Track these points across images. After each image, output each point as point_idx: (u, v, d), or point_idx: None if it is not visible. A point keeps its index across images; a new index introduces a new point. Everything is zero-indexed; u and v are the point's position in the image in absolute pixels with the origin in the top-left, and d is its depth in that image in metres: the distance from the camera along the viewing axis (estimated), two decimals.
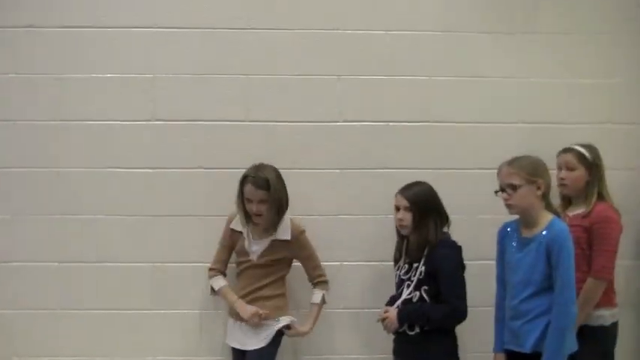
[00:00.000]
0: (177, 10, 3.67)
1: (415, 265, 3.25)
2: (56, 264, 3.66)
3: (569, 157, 3.41)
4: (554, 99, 3.77)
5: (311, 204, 3.66)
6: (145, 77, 3.66)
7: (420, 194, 3.28)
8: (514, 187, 3.09)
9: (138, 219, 3.67)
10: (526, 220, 3.14)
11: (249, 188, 3.36)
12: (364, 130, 3.72)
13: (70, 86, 3.66)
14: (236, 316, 3.45)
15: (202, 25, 3.67)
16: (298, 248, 3.48)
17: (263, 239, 3.45)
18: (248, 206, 3.39)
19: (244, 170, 3.43)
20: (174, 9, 3.67)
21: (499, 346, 3.25)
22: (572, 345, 3.06)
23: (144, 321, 3.68)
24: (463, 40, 3.74)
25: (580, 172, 3.39)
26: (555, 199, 3.41)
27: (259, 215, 3.38)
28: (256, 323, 3.37)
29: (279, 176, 3.42)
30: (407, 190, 3.30)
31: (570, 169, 3.40)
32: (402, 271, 3.33)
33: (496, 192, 3.18)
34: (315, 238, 3.58)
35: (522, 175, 3.08)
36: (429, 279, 3.21)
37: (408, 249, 3.34)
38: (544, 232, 3.06)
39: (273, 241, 3.44)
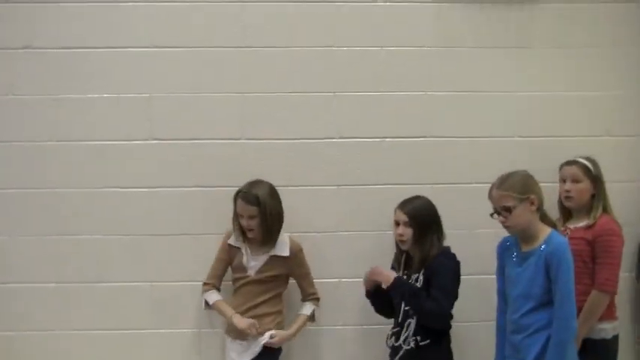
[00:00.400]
0: (173, 29, 3.68)
1: (415, 275, 3.25)
2: (53, 284, 3.65)
3: (575, 170, 3.41)
4: (552, 112, 3.76)
5: (308, 221, 3.66)
6: (141, 97, 3.67)
7: (419, 209, 3.28)
8: (508, 209, 3.07)
9: (135, 238, 3.67)
10: (525, 236, 3.13)
11: (239, 203, 3.40)
12: (361, 146, 3.71)
13: (66, 106, 3.66)
14: (233, 334, 3.44)
15: (198, 44, 3.68)
16: (296, 265, 3.48)
17: (261, 255, 3.45)
18: (240, 221, 3.42)
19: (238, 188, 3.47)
20: (170, 28, 3.68)
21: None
22: (573, 359, 3.04)
23: (142, 340, 3.66)
24: (458, 55, 3.74)
25: (585, 185, 3.39)
26: (554, 212, 3.43)
27: (251, 230, 3.40)
28: (253, 334, 3.36)
29: (272, 192, 3.43)
30: (406, 205, 3.30)
31: (576, 181, 3.40)
32: None
33: (492, 215, 3.16)
34: (312, 255, 3.58)
35: (514, 195, 3.06)
36: (427, 287, 3.20)
37: (407, 262, 3.34)
38: (542, 247, 3.05)
39: (272, 257, 3.44)
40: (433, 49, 3.73)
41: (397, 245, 3.38)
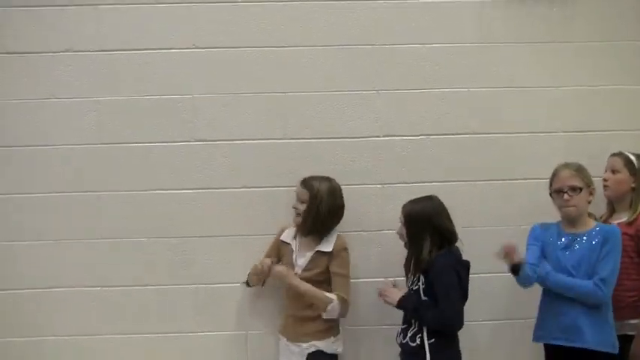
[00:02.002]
0: (214, 30, 3.67)
1: (418, 275, 3.22)
2: (98, 288, 3.65)
3: (616, 160, 3.47)
4: (595, 107, 3.75)
5: (353, 219, 3.63)
6: (184, 98, 3.66)
7: (413, 211, 3.24)
8: (576, 189, 3.21)
9: (181, 240, 3.66)
10: (574, 222, 3.25)
11: (297, 187, 3.44)
12: (405, 144, 3.70)
13: (108, 109, 3.65)
14: (287, 335, 3.44)
15: (239, 44, 3.67)
16: (336, 263, 3.42)
17: (308, 252, 3.44)
18: (294, 205, 3.45)
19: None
20: (211, 29, 3.67)
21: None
22: (614, 346, 3.16)
23: (187, 343, 3.66)
24: (500, 50, 3.73)
25: (623, 176, 3.42)
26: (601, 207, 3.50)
27: (298, 214, 3.42)
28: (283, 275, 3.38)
29: (331, 190, 3.42)
30: (406, 205, 3.28)
31: (614, 171, 3.44)
32: (410, 282, 3.30)
33: (550, 194, 3.28)
34: (359, 253, 3.61)
35: (583, 179, 3.24)
36: (429, 290, 3.16)
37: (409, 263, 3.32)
38: (597, 228, 3.21)
39: (317, 252, 3.43)
40: (475, 45, 3.73)
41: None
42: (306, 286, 3.35)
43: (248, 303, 3.60)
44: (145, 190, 3.65)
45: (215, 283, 3.66)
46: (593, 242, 3.18)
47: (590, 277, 3.14)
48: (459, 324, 3.15)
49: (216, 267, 3.66)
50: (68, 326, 3.63)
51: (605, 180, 3.47)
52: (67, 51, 3.64)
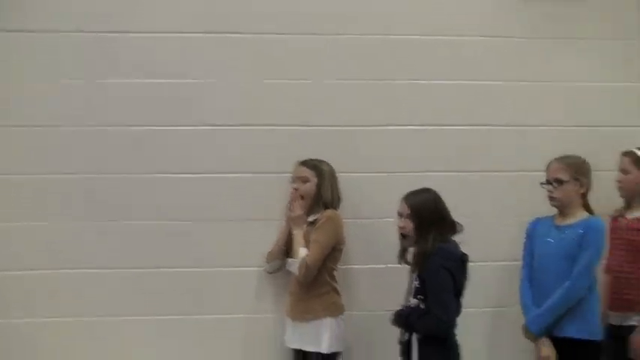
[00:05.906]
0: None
1: (414, 274, 3.13)
2: (111, 270, 3.58)
3: (624, 160, 3.47)
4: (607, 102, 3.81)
5: (355, 207, 3.64)
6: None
7: (423, 203, 3.12)
8: (560, 182, 3.32)
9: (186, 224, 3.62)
10: (563, 214, 3.37)
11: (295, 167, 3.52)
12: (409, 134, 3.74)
13: (103, 93, 3.59)
14: (292, 315, 3.41)
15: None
16: (315, 231, 3.36)
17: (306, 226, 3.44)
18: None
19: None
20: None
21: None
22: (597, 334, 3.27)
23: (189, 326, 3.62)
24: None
25: (633, 176, 3.43)
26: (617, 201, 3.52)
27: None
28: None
29: (332, 172, 3.46)
30: (411, 197, 3.15)
31: (624, 171, 3.45)
32: (410, 278, 3.19)
33: (542, 184, 3.40)
34: (357, 240, 3.61)
35: (569, 171, 3.32)
36: (423, 289, 3.06)
37: (406, 257, 3.22)
38: (580, 221, 3.30)
39: (308, 226, 3.40)
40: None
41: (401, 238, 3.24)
42: (298, 236, 3.40)
43: (252, 286, 3.61)
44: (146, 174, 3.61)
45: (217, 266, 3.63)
46: (574, 238, 3.25)
47: (570, 267, 3.22)
48: (452, 328, 3.04)
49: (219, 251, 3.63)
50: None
51: (618, 181, 3.46)
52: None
